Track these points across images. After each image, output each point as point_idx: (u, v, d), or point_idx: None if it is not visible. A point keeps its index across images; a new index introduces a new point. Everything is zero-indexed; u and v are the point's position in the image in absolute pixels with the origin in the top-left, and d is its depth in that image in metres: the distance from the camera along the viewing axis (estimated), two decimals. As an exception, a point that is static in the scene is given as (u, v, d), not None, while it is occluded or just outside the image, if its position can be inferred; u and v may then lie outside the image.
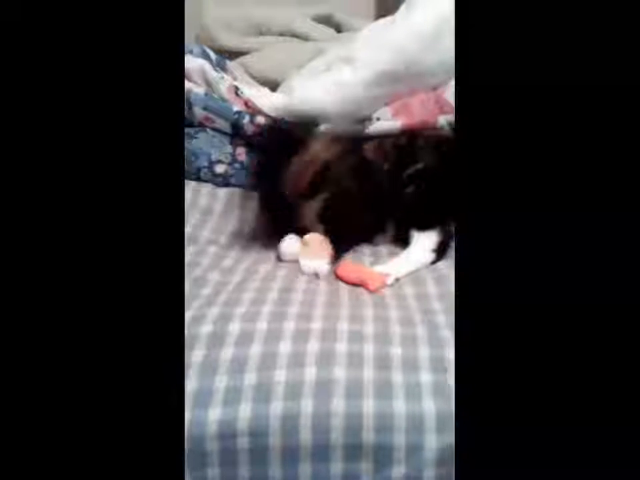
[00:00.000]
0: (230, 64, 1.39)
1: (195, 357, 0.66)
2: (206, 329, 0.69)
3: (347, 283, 0.84)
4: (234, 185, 1.16)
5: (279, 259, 0.92)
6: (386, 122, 1.08)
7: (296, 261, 0.89)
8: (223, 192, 1.14)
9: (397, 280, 0.84)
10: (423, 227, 0.92)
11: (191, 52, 1.22)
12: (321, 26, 1.58)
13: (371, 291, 0.81)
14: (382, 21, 1.21)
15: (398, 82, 1.08)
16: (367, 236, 0.99)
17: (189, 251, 0.93)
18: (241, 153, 1.16)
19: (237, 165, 1.16)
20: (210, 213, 1.07)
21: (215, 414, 0.61)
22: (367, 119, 1.10)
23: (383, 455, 0.62)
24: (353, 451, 0.62)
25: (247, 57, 1.47)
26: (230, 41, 1.50)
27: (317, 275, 0.86)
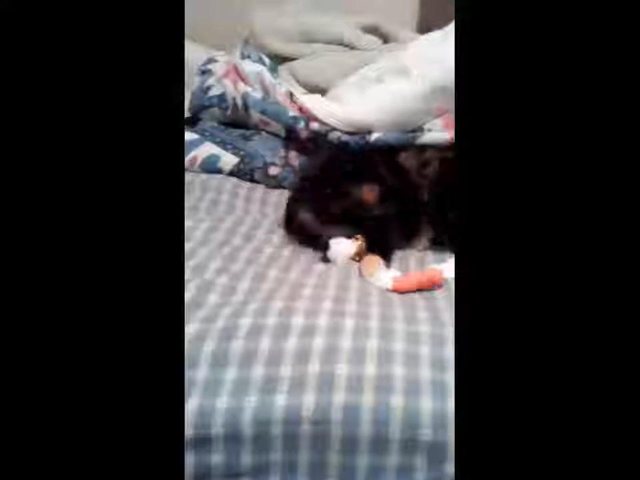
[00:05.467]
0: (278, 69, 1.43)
1: (261, 345, 0.70)
2: (271, 320, 0.73)
3: (411, 291, 0.85)
4: (285, 188, 1.20)
5: (325, 259, 0.95)
6: (437, 133, 1.11)
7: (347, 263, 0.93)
8: (275, 193, 1.19)
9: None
10: None
11: (248, 57, 1.27)
12: (368, 36, 1.62)
13: (439, 284, 0.85)
14: (433, 34, 1.25)
15: (451, 95, 1.11)
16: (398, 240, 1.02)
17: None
18: (293, 156, 1.21)
19: (288, 169, 1.20)
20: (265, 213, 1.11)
21: (281, 400, 0.65)
22: (417, 130, 1.13)
23: (438, 451, 0.65)
24: (409, 445, 0.65)
25: (294, 62, 1.51)
26: (276, 45, 1.54)
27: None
